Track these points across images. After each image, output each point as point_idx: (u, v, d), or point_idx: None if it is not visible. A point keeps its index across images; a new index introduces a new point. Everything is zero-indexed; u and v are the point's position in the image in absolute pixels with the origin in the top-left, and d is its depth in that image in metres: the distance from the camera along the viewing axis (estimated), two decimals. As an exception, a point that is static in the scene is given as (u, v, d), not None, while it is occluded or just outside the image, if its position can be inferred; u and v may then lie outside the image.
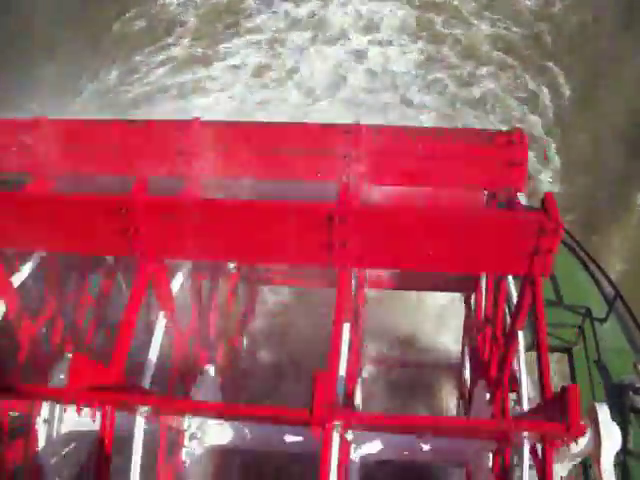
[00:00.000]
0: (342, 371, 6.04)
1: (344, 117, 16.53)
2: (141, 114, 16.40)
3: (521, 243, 5.91)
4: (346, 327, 6.26)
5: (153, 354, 6.58)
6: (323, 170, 7.12)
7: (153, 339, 6.67)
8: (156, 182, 6.79)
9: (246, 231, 6.22)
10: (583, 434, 5.22)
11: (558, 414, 5.13)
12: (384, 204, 6.18)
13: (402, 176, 7.21)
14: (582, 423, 5.11)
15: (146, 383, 6.46)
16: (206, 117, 7.59)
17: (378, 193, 7.45)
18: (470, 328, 9.07)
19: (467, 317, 9.47)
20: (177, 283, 7.16)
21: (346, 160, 6.99)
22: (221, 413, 6.32)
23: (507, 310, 7.72)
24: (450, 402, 11.15)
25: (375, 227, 6.05)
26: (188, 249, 6.56)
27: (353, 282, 6.92)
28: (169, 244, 6.41)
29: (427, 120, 16.60)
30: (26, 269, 7.34)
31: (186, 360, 7.55)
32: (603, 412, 5.61)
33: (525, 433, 5.84)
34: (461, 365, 10.23)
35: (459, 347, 10.35)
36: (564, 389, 5.16)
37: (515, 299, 7.07)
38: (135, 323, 6.22)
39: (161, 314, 6.86)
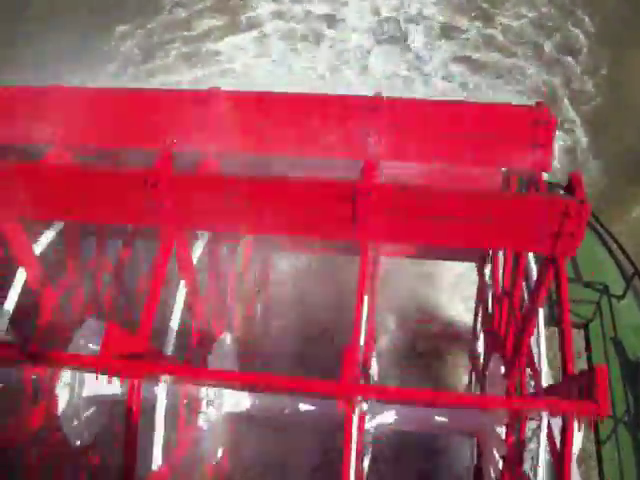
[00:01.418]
0: (362, 343, 6.09)
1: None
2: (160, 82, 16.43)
3: (544, 224, 5.85)
4: (366, 300, 6.30)
5: (175, 322, 6.69)
6: (346, 146, 7.06)
7: (174, 307, 6.76)
8: (178, 154, 6.83)
9: (268, 207, 6.26)
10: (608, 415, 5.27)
11: (582, 392, 5.15)
12: (406, 183, 6.14)
13: (423, 154, 7.15)
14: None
15: (169, 350, 6.57)
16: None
17: (400, 170, 7.40)
18: (484, 299, 9.04)
19: (480, 287, 9.43)
20: (197, 252, 7.21)
21: (368, 137, 6.92)
22: (247, 384, 6.42)
23: (525, 285, 7.68)
24: (463, 373, 11.20)
25: (397, 204, 6.05)
26: (212, 222, 6.65)
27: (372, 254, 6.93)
28: (192, 217, 6.48)
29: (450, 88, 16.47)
30: (47, 237, 7.42)
31: (204, 328, 7.63)
32: None
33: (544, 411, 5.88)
34: (473, 335, 10.23)
35: (472, 316, 10.35)
36: (591, 369, 5.18)
37: (535, 274, 7.04)
38: (160, 292, 6.28)
39: (182, 282, 6.92)
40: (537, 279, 6.59)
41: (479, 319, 9.56)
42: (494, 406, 6.39)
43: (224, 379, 6.42)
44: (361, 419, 6.28)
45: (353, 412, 5.59)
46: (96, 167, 6.72)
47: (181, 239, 6.66)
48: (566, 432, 5.58)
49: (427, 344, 11.42)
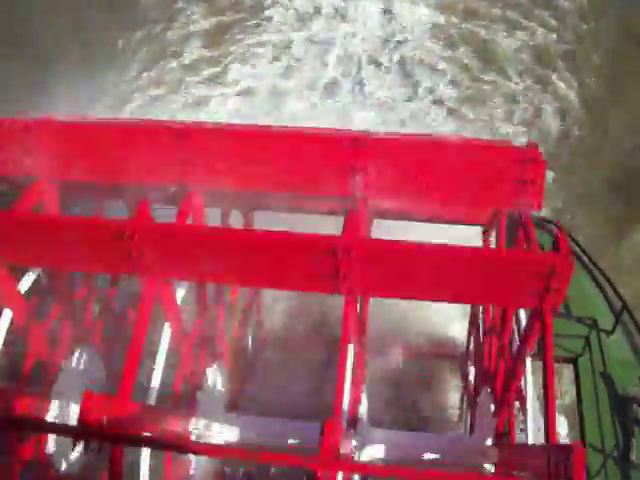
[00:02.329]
0: (347, 389, 6.11)
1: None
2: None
3: (530, 282, 5.93)
4: (351, 348, 6.32)
5: (158, 371, 6.70)
6: (329, 185, 7.11)
7: (158, 355, 6.76)
8: (157, 192, 6.84)
9: (250, 261, 6.29)
10: None
11: (561, 469, 5.18)
12: (389, 241, 6.16)
13: (411, 193, 7.18)
14: None
15: (152, 401, 6.57)
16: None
17: (382, 208, 7.44)
18: (475, 330, 9.06)
19: (472, 317, 9.46)
20: (180, 295, 7.21)
21: (353, 175, 6.96)
22: (229, 456, 6.45)
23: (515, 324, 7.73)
24: (454, 395, 11.17)
25: (380, 259, 6.08)
26: (191, 274, 6.67)
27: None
28: (172, 268, 6.48)
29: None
30: (33, 274, 7.34)
31: (191, 367, 7.60)
32: None
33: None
34: (465, 362, 10.21)
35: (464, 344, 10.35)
36: (570, 447, 5.21)
37: (523, 319, 7.13)
38: (142, 345, 6.23)
39: (166, 325, 6.91)
40: (525, 330, 6.66)
41: (471, 348, 9.56)
42: None
43: (204, 451, 6.38)
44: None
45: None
46: (73, 218, 6.78)
47: (163, 284, 6.64)
48: None
49: (418, 366, 11.39)
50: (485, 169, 7.04)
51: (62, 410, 7.44)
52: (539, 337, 6.26)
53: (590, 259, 10.62)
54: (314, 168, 7.12)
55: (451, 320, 11.60)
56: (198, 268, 6.50)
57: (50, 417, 7.35)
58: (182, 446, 6.39)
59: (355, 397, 6.89)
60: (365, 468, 6.22)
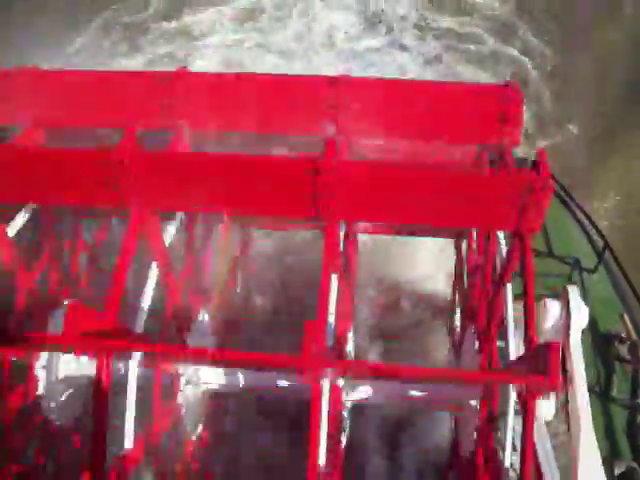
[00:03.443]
0: (332, 320, 6.16)
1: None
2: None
3: (509, 201, 5.97)
4: (334, 278, 6.35)
5: (146, 300, 6.71)
6: (309, 124, 7.12)
7: (146, 287, 6.77)
8: (143, 134, 6.82)
9: (233, 184, 6.31)
10: (560, 387, 5.48)
11: (541, 366, 5.30)
12: (370, 160, 6.20)
13: (391, 132, 7.19)
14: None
15: (139, 329, 6.59)
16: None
17: (364, 147, 7.44)
18: (460, 274, 9.19)
19: (457, 262, 9.58)
20: (170, 233, 7.22)
21: (332, 113, 6.99)
22: (213, 359, 6.48)
23: (498, 258, 7.81)
24: (441, 346, 11.35)
25: (361, 181, 6.10)
26: (177, 201, 6.67)
27: (342, 233, 7.00)
28: (159, 196, 6.49)
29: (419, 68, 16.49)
30: (20, 219, 7.34)
31: (180, 308, 7.66)
32: (574, 292, 6.27)
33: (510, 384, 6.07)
34: (452, 310, 10.38)
35: (450, 291, 10.50)
36: (547, 345, 5.34)
37: (504, 249, 7.18)
38: (126, 271, 6.31)
39: (154, 264, 6.93)
40: (506, 255, 6.73)
41: (456, 293, 9.70)
42: (452, 379, 6.70)
43: (188, 355, 6.46)
44: (335, 394, 6.37)
45: (320, 385, 5.64)
46: (58, 148, 6.67)
47: (151, 218, 6.67)
48: (527, 402, 5.79)
49: (405, 316, 11.54)
50: (464, 107, 7.07)
51: (50, 362, 7.48)
52: (519, 264, 6.35)
53: (572, 198, 10.70)
54: (295, 108, 7.14)
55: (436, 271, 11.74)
56: (183, 193, 6.50)
57: (39, 367, 7.42)
58: (168, 351, 6.43)
59: (341, 332, 6.96)
60: (355, 367, 6.27)
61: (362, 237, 9.49)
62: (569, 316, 6.18)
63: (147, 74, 7.72)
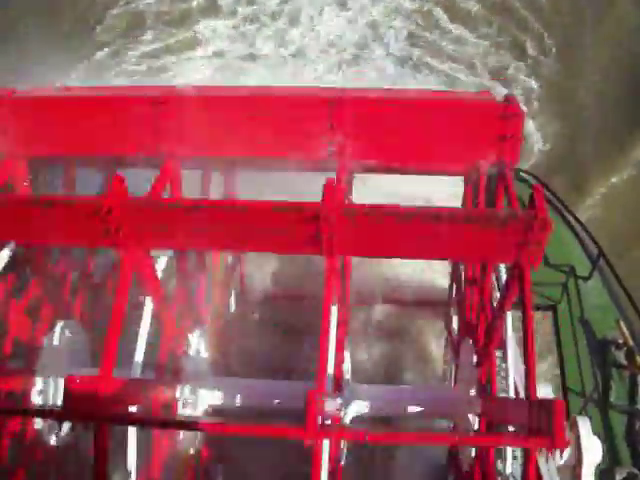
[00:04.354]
0: (331, 357, 6.15)
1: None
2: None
3: (508, 238, 5.94)
4: (334, 310, 6.33)
5: (141, 344, 6.63)
6: (306, 147, 7.05)
7: (141, 328, 6.69)
8: (133, 161, 6.76)
9: (232, 232, 6.28)
10: (567, 447, 5.42)
11: (543, 423, 5.31)
12: (369, 205, 6.15)
13: (391, 151, 7.16)
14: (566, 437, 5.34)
15: (136, 374, 6.53)
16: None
17: (362, 165, 7.40)
18: (457, 279, 9.13)
19: (453, 269, 9.55)
20: (161, 266, 7.12)
21: (329, 136, 6.93)
22: (215, 430, 6.48)
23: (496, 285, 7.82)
24: (437, 345, 11.32)
25: (361, 226, 6.07)
26: (172, 244, 6.64)
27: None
28: (152, 240, 6.42)
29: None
30: (8, 249, 7.12)
31: (174, 337, 7.59)
32: (585, 426, 5.73)
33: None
34: (448, 313, 10.31)
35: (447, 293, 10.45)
36: (550, 402, 5.32)
37: (504, 273, 7.21)
38: (122, 317, 6.15)
39: (147, 299, 6.83)
40: (505, 285, 6.70)
41: (453, 297, 9.64)
42: (453, 441, 6.87)
43: (190, 427, 6.44)
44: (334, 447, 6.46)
45: (321, 450, 5.63)
46: (48, 196, 6.54)
47: (142, 256, 6.55)
48: (528, 462, 5.64)
49: (403, 316, 11.50)
50: (464, 123, 7.03)
51: (47, 387, 7.43)
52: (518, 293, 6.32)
53: (566, 207, 10.73)
54: (291, 130, 7.07)
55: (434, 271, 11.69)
56: (178, 240, 6.46)
57: (35, 394, 7.34)
58: (166, 422, 6.43)
59: (338, 356, 6.95)
60: (351, 434, 6.26)
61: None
62: (580, 452, 5.83)
63: (137, 97, 7.53)
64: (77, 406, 5.51)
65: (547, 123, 15.83)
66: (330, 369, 6.01)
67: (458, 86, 16.16)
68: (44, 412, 6.72)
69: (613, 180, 15.12)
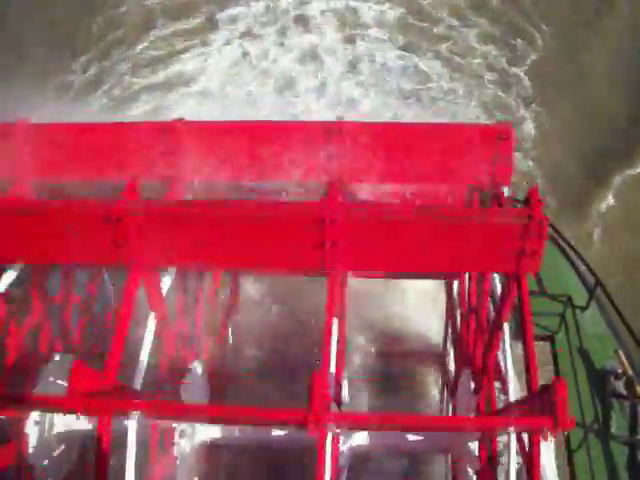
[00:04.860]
0: (332, 369, 6.16)
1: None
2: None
3: (506, 245, 6.05)
4: (335, 324, 6.36)
5: (144, 357, 6.66)
6: (308, 171, 7.20)
7: (144, 342, 6.73)
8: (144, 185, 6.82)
9: (238, 241, 6.31)
10: (571, 427, 5.39)
11: (545, 407, 5.28)
12: (371, 205, 6.29)
13: (386, 174, 7.28)
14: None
15: (138, 385, 6.53)
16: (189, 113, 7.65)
17: (363, 192, 7.53)
18: (452, 315, 9.18)
19: (449, 304, 9.57)
20: (166, 285, 7.18)
21: (330, 160, 7.08)
22: (215, 416, 6.42)
23: (490, 299, 7.83)
24: (434, 390, 11.26)
25: (363, 229, 6.15)
26: (179, 258, 6.65)
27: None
28: (159, 253, 6.46)
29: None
30: (10, 274, 7.24)
31: (174, 359, 7.60)
32: None
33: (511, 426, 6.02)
34: (444, 352, 10.35)
35: (442, 333, 10.46)
36: (551, 383, 5.31)
37: (499, 289, 7.20)
38: (127, 328, 6.28)
39: (151, 315, 6.89)
40: (501, 296, 6.74)
41: (449, 335, 9.66)
42: (454, 426, 6.58)
43: (192, 413, 6.39)
44: (334, 442, 6.32)
45: (325, 438, 5.59)
46: (55, 202, 6.60)
47: (149, 273, 6.63)
48: (532, 446, 5.71)
49: (398, 362, 11.47)
50: (456, 148, 7.18)
51: (43, 418, 7.37)
52: (515, 307, 6.35)
53: (562, 237, 10.78)
54: (292, 157, 7.22)
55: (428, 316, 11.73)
56: (185, 251, 6.46)
57: (31, 423, 7.30)
58: (169, 410, 6.31)
59: (337, 379, 6.94)
60: (357, 419, 6.21)
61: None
62: None
63: (142, 125, 7.70)
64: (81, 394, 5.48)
65: (539, 147, 15.99)
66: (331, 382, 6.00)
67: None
68: (47, 400, 6.48)
69: (610, 206, 15.23)
